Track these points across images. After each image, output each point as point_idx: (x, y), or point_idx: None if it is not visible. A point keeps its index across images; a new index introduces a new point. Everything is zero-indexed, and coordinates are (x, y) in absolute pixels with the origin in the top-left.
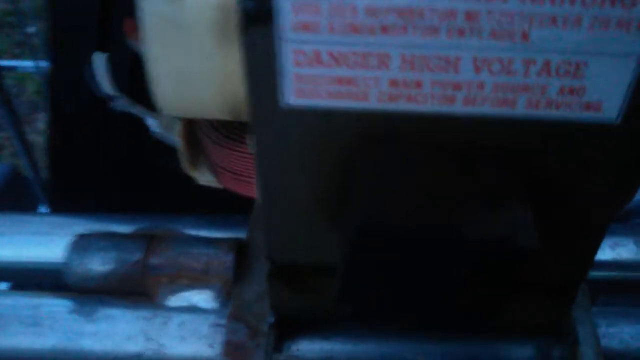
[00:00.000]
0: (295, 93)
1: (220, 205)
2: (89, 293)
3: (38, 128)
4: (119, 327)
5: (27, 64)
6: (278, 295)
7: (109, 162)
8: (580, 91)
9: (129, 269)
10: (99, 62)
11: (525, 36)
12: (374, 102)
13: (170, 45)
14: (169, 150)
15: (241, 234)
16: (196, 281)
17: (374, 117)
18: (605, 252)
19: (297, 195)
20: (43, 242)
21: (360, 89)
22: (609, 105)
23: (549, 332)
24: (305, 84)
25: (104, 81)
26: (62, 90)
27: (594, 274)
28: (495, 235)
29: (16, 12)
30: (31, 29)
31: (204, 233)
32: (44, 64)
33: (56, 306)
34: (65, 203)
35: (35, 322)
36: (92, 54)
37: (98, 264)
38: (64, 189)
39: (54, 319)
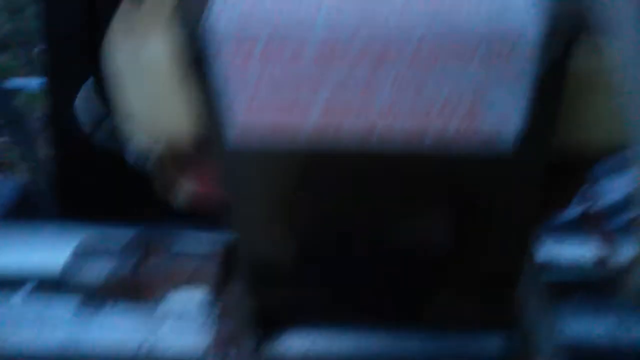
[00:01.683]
0: (239, 136)
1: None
2: (89, 297)
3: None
4: (119, 325)
5: (36, 82)
6: (254, 292)
7: (109, 176)
8: (476, 131)
9: (126, 274)
10: (81, 100)
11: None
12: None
13: (138, 83)
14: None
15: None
16: (187, 284)
17: (306, 153)
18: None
19: (254, 215)
20: (45, 249)
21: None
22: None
23: (503, 326)
24: (246, 127)
25: (84, 120)
26: (61, 106)
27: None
28: (418, 241)
29: (23, 31)
30: (37, 48)
31: (194, 239)
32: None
33: (59, 309)
34: (72, 215)
35: (40, 324)
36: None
37: (97, 270)
38: (69, 200)
39: (57, 321)
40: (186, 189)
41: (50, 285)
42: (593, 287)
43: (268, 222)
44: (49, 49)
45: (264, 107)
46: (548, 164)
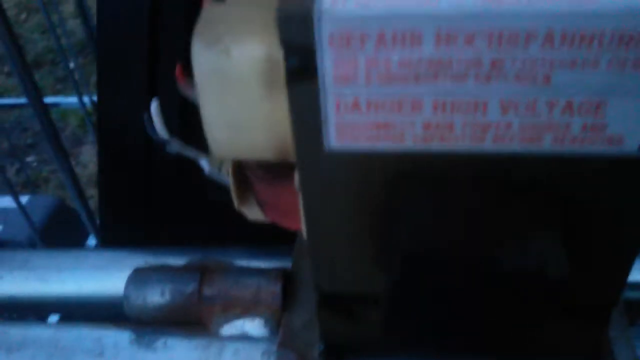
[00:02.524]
0: (338, 138)
1: (267, 237)
2: (148, 324)
3: (82, 161)
4: (177, 355)
5: (70, 100)
6: (326, 324)
7: (158, 194)
8: (602, 127)
9: (185, 300)
10: (154, 109)
11: (547, 80)
12: (409, 143)
13: (222, 95)
14: (219, 186)
15: (287, 264)
16: (247, 310)
17: (410, 157)
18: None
19: (341, 230)
20: (100, 276)
21: (396, 132)
22: (630, 139)
23: (586, 354)
24: (346, 130)
25: (159, 127)
26: (110, 125)
27: (632, 294)
28: (529, 265)
29: (57, 49)
30: (71, 65)
31: (253, 263)
32: (86, 99)
33: (118, 337)
34: (113, 235)
35: (99, 353)
36: (146, 99)
37: (155, 296)
38: (113, 221)
39: (116, 349)
40: (255, 213)
41: (106, 313)
42: None
43: (359, 241)
44: (102, 61)
45: (371, 105)
46: None
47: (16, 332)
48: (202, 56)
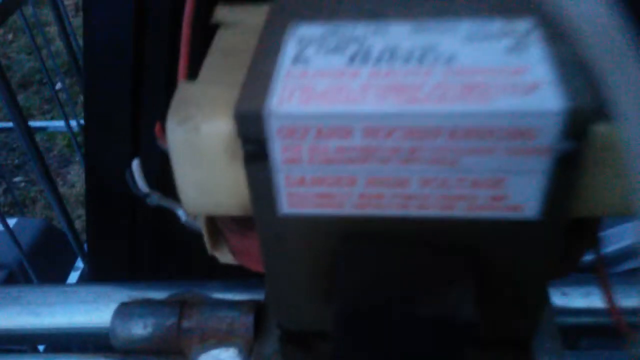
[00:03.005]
0: (288, 205)
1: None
2: (132, 354)
3: (70, 180)
4: None
5: (57, 124)
6: (289, 356)
7: (142, 222)
8: (504, 198)
9: (165, 332)
10: (135, 167)
11: (455, 163)
12: (348, 209)
13: (192, 162)
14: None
15: (260, 295)
16: (222, 340)
17: (349, 220)
18: (578, 301)
19: (294, 279)
20: (88, 309)
21: (336, 201)
22: (529, 208)
23: None
24: (295, 199)
25: (140, 183)
26: (97, 150)
27: (568, 320)
28: (444, 310)
29: (43, 69)
30: (58, 86)
31: (228, 296)
32: (73, 122)
33: None
34: (100, 258)
35: None
36: (132, 130)
37: (138, 329)
38: (99, 245)
39: None
40: (227, 258)
41: (91, 344)
42: (603, 333)
43: (311, 288)
44: (87, 87)
45: (315, 180)
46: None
47: None
48: (175, 132)
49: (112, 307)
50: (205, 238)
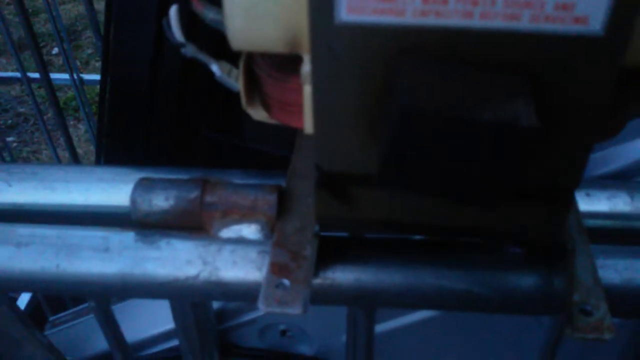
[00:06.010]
0: (347, 10)
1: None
2: (152, 227)
3: (62, 143)
4: (179, 253)
5: (62, 76)
6: (322, 204)
7: (158, 131)
8: (571, 7)
9: (187, 205)
10: (173, 14)
11: None
12: (409, 17)
13: None
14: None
15: (281, 182)
16: (245, 216)
17: (408, 32)
18: (602, 203)
19: (344, 105)
20: (106, 188)
21: (398, 7)
22: (594, 20)
23: (546, 252)
24: (355, 2)
25: (176, 31)
26: (120, 58)
27: (591, 222)
28: (505, 117)
29: (53, 31)
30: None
31: (250, 182)
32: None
33: (123, 237)
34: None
35: (105, 249)
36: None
37: (160, 201)
38: (115, 151)
39: (121, 246)
40: (261, 114)
41: (111, 217)
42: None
43: (360, 117)
44: None
45: None
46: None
47: (24, 231)
48: None
49: (130, 187)
50: (241, 90)
